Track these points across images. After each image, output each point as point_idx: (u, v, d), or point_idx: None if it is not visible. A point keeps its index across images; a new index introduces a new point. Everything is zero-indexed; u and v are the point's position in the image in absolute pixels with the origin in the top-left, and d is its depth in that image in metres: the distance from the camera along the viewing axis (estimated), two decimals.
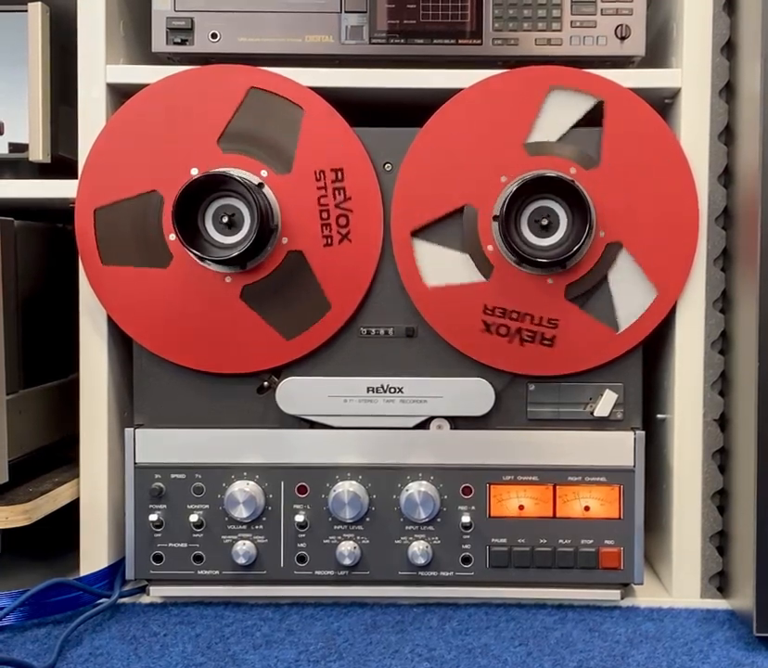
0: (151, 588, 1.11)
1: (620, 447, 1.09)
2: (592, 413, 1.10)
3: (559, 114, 1.07)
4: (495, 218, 1.05)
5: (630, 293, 1.08)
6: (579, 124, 1.07)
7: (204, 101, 1.08)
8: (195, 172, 1.06)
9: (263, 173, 1.07)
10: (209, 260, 1.04)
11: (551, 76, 1.07)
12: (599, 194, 1.06)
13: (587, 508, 1.09)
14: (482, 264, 1.07)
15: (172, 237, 1.07)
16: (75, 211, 1.08)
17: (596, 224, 1.06)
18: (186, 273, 1.07)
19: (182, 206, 1.03)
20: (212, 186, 1.05)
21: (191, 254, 1.05)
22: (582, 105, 1.07)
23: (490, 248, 1.07)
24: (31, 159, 1.12)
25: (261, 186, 1.06)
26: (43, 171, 1.17)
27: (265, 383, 1.10)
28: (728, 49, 1.09)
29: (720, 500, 1.11)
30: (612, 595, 1.10)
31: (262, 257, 1.06)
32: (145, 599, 1.12)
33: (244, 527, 1.10)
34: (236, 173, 1.05)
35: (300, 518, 1.08)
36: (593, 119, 1.08)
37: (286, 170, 1.07)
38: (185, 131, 1.07)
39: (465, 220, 1.07)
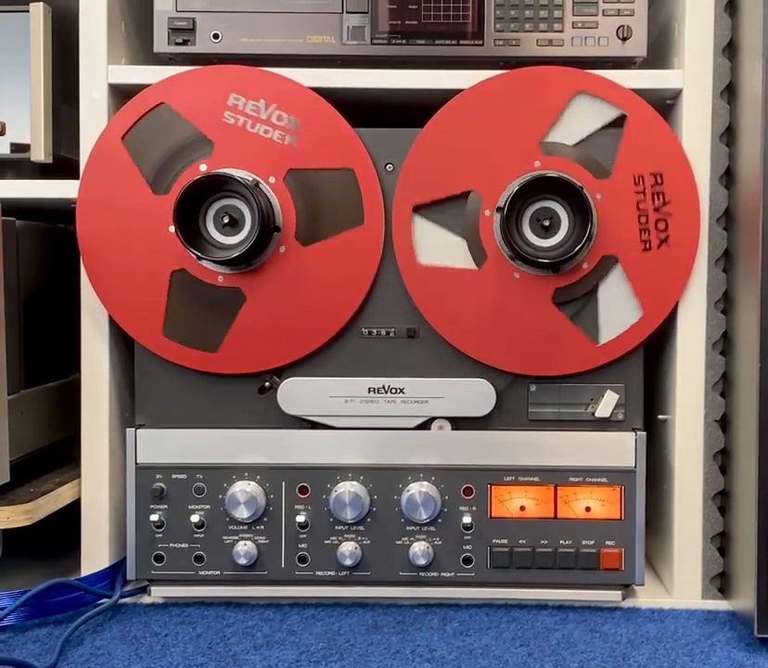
0: (152, 588, 1.11)
1: (622, 448, 1.09)
2: (593, 414, 1.10)
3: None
4: (499, 209, 1.05)
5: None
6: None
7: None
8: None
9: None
10: (208, 260, 1.05)
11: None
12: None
13: (588, 509, 1.09)
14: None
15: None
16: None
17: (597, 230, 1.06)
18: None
19: (183, 206, 1.03)
20: (213, 186, 1.05)
21: (191, 254, 1.05)
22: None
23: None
24: (32, 159, 1.12)
25: (257, 184, 1.05)
26: (44, 171, 1.17)
27: (267, 383, 1.10)
28: (730, 50, 1.09)
29: (721, 501, 1.11)
30: (613, 596, 1.10)
31: (261, 259, 1.07)
32: (146, 600, 1.12)
33: (245, 527, 1.10)
34: (237, 173, 1.05)
35: (301, 518, 1.08)
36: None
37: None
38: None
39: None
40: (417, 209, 1.08)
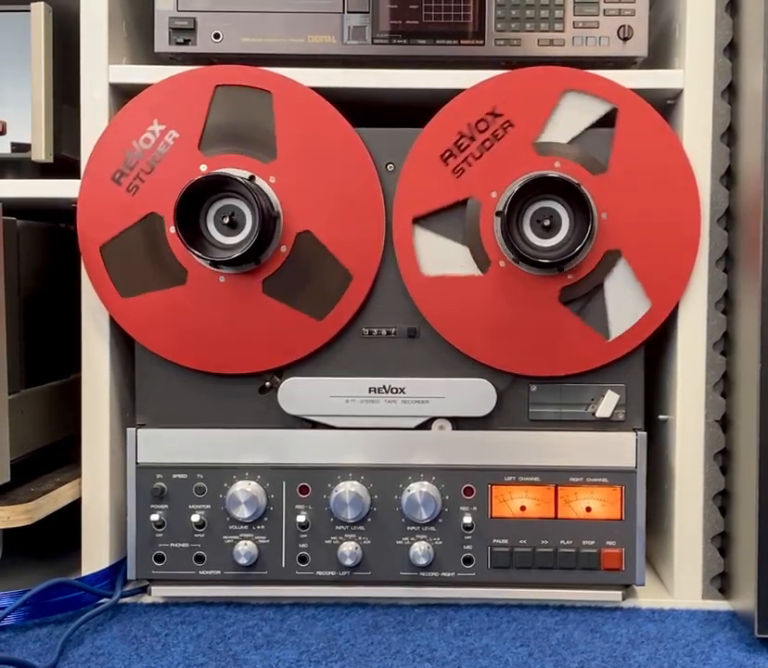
0: (153, 588, 1.11)
1: (622, 448, 1.09)
2: (593, 414, 1.10)
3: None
4: (498, 214, 1.05)
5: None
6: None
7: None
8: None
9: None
10: (211, 261, 1.04)
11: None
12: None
13: (589, 509, 1.09)
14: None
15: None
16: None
17: (597, 229, 1.06)
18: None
19: (183, 208, 1.03)
20: (213, 187, 1.05)
21: (194, 256, 1.05)
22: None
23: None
24: (33, 158, 1.12)
25: (252, 179, 1.05)
26: (45, 170, 1.17)
27: (267, 383, 1.10)
28: (731, 50, 1.08)
29: (721, 501, 1.11)
30: (614, 596, 1.10)
31: (273, 245, 1.06)
32: (146, 599, 1.12)
33: (245, 527, 1.10)
34: (232, 172, 1.05)
35: (301, 518, 1.08)
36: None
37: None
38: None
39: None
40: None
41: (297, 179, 1.07)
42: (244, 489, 1.08)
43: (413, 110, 1.09)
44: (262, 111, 1.07)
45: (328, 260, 1.08)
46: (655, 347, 1.15)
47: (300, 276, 1.08)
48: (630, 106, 1.07)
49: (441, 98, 1.07)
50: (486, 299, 1.08)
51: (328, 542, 1.10)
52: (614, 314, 1.08)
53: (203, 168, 1.07)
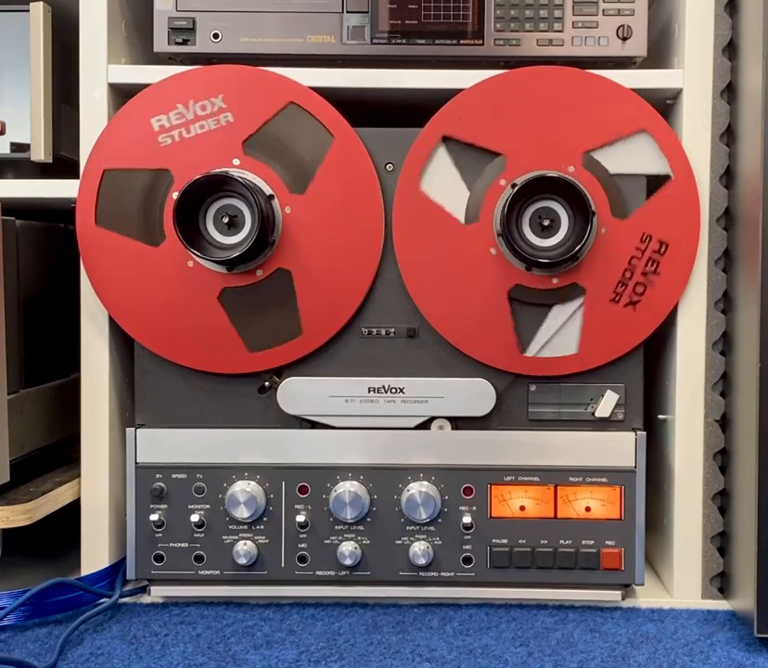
0: (152, 588, 1.11)
1: (622, 448, 1.09)
2: (593, 413, 1.10)
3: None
4: (499, 235, 1.05)
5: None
6: None
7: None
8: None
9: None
10: (208, 260, 1.04)
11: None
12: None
13: (588, 509, 1.09)
14: None
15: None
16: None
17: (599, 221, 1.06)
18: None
19: (184, 205, 1.03)
20: (215, 186, 1.05)
21: (191, 254, 1.05)
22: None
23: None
24: (33, 158, 1.12)
25: (271, 197, 1.06)
26: (44, 170, 1.17)
27: (266, 383, 1.10)
28: (730, 50, 1.08)
29: (721, 501, 1.11)
30: (613, 595, 1.10)
31: (251, 265, 1.06)
32: (146, 599, 1.12)
33: (245, 527, 1.10)
34: (242, 174, 1.05)
35: (301, 518, 1.08)
36: None
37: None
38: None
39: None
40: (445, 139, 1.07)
41: (310, 221, 1.07)
42: (243, 489, 1.08)
43: (412, 110, 1.09)
44: (317, 147, 1.07)
45: (290, 307, 1.08)
46: (654, 347, 1.15)
47: (257, 304, 1.08)
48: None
49: (440, 98, 1.07)
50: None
51: (328, 542, 1.10)
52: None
53: (236, 161, 1.07)
